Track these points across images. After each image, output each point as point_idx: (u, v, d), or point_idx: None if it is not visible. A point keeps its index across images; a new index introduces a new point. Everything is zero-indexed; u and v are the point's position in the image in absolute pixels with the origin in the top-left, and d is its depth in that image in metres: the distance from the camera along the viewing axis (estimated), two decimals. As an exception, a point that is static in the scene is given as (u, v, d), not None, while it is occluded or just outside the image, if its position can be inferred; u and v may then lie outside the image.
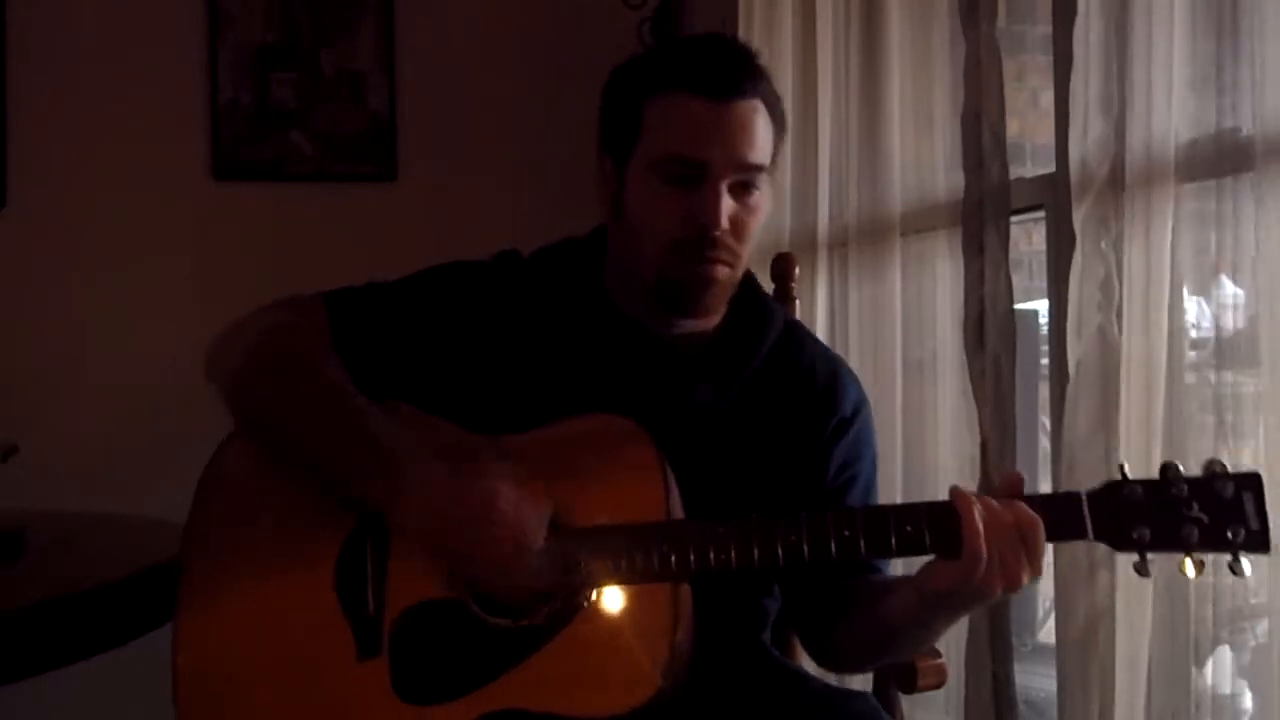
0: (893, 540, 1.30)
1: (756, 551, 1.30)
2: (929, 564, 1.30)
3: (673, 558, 1.30)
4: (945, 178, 2.15)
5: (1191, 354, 1.71)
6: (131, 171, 3.03)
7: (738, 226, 1.43)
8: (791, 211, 2.50)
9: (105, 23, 3.02)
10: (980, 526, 1.24)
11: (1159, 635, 1.69)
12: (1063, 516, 1.28)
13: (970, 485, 1.88)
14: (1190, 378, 1.69)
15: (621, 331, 1.50)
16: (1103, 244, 1.76)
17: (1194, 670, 1.68)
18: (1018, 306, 1.99)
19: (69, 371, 2.96)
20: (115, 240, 3.02)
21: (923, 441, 2.20)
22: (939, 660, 1.60)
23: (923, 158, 2.22)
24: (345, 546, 1.38)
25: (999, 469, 1.96)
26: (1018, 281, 2.00)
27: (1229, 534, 1.24)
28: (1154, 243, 1.69)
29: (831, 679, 2.22)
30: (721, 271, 1.45)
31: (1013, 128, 2.02)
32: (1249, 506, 1.25)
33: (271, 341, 1.46)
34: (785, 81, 2.50)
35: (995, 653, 1.99)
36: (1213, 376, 1.67)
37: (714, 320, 1.53)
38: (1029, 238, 2.32)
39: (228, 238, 3.09)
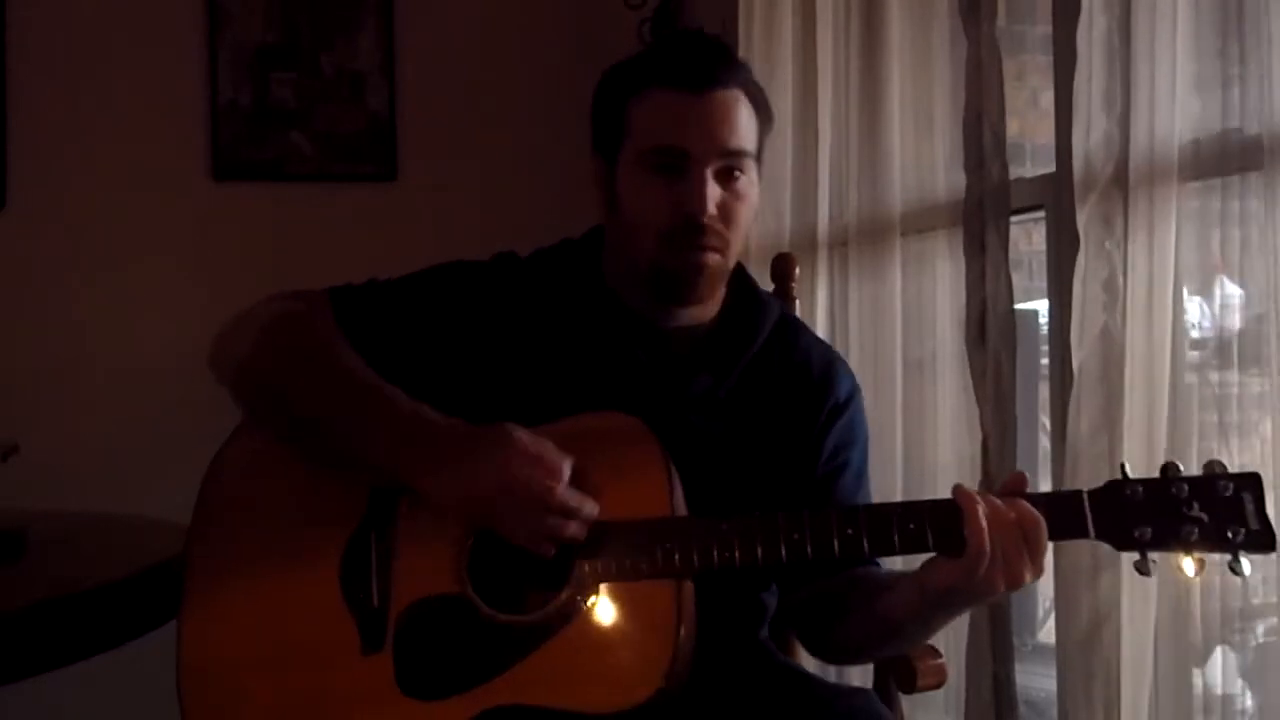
0: (896, 538, 1.30)
1: (760, 549, 1.31)
2: (931, 561, 1.31)
3: (676, 555, 1.31)
4: (945, 178, 2.15)
5: (1193, 354, 1.71)
6: (131, 171, 3.03)
7: (726, 213, 1.45)
8: (791, 211, 2.50)
9: (105, 23, 3.02)
10: (984, 524, 1.25)
11: (1160, 636, 1.69)
12: (1065, 515, 1.28)
13: (971, 485, 1.88)
14: (1191, 378, 1.69)
15: (620, 324, 1.52)
16: (1106, 244, 1.76)
17: (1194, 670, 1.68)
18: (1018, 306, 1.99)
19: (69, 371, 2.96)
20: (115, 240, 3.02)
21: (923, 441, 2.20)
22: (939, 660, 1.60)
23: (923, 158, 2.22)
24: (350, 542, 1.39)
25: (999, 468, 1.97)
26: (1018, 281, 2.00)
27: (1229, 534, 1.25)
28: (1158, 242, 1.69)
29: (830, 672, 2.23)
30: (712, 258, 1.46)
31: (1013, 128, 2.02)
32: (1249, 507, 1.25)
33: (283, 326, 1.47)
34: (785, 81, 2.50)
35: (995, 653, 1.99)
36: (1213, 376, 1.67)
37: (711, 311, 1.55)
38: (1029, 238, 2.32)
39: (228, 238, 3.09)
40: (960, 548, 1.26)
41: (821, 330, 2.38)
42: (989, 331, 1.99)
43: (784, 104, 2.50)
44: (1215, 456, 1.32)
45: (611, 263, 1.55)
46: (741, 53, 2.58)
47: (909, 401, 2.23)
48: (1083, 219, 1.78)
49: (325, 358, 1.43)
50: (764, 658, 1.56)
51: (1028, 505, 1.27)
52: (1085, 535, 1.28)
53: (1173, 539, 1.26)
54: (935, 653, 1.61)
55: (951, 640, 2.04)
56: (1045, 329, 2.09)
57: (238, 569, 1.41)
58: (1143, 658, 1.70)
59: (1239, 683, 1.70)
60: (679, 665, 1.28)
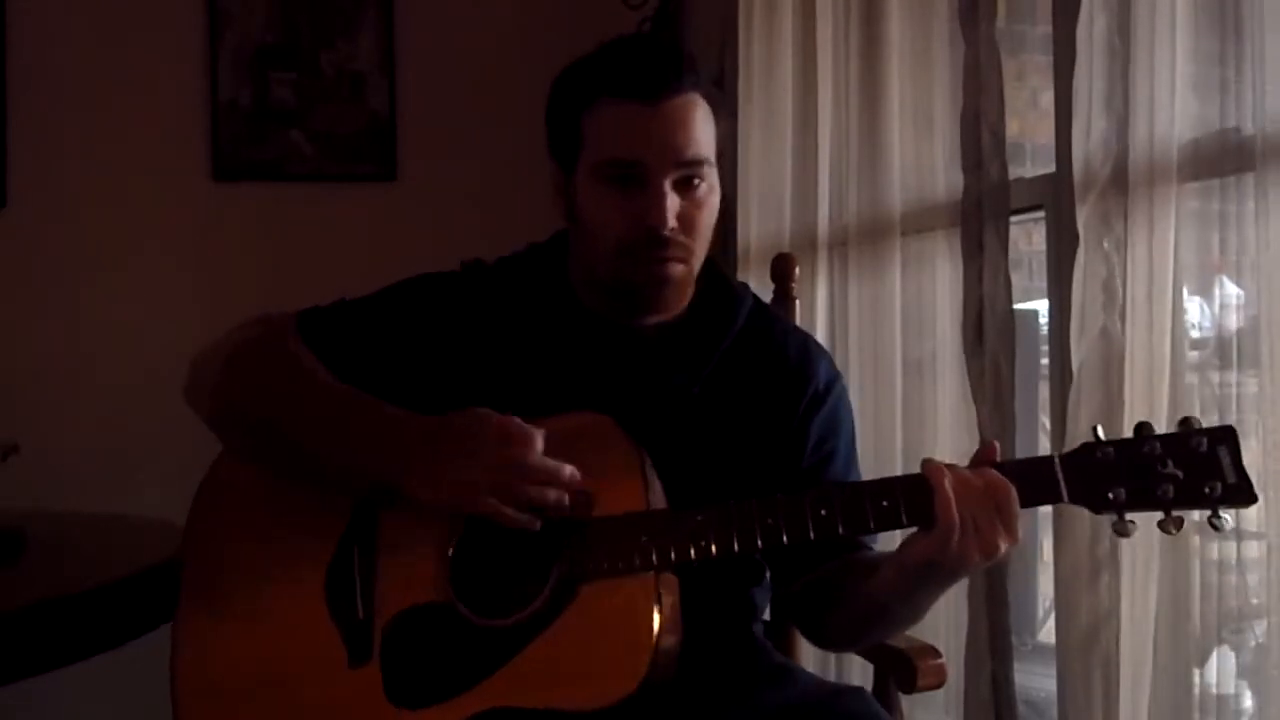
0: (870, 516, 1.30)
1: (736, 538, 1.31)
2: (908, 537, 1.31)
3: (653, 549, 1.31)
4: (945, 178, 2.15)
5: (1192, 354, 1.71)
6: (131, 171, 3.03)
7: (687, 222, 1.44)
8: (791, 211, 2.50)
9: (105, 23, 3.02)
10: (951, 495, 1.25)
11: (1159, 636, 1.69)
12: (1037, 481, 1.28)
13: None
14: (1191, 378, 1.69)
15: (589, 327, 1.51)
16: (1105, 244, 1.76)
17: (1194, 670, 1.68)
18: (1017, 306, 1.99)
19: (69, 371, 2.96)
20: (115, 240, 3.02)
21: (922, 441, 2.20)
22: (939, 660, 1.60)
23: (923, 158, 2.22)
24: (334, 556, 1.40)
25: (999, 469, 1.96)
26: (1017, 281, 2.00)
27: (1206, 489, 1.23)
28: (1157, 242, 1.69)
29: (830, 671, 2.23)
30: (676, 269, 1.46)
31: (1013, 128, 2.02)
32: (1225, 460, 1.24)
33: (249, 351, 1.48)
34: (785, 81, 2.50)
35: (995, 653, 1.99)
36: (1213, 377, 1.67)
37: (681, 306, 1.55)
38: (1028, 238, 2.32)
39: (228, 238, 3.09)
40: (932, 521, 1.26)
41: (821, 330, 2.38)
42: (988, 331, 1.99)
43: (784, 104, 2.50)
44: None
45: (576, 269, 1.54)
46: (741, 53, 2.59)
47: (909, 401, 2.23)
48: (1082, 219, 1.78)
49: (291, 374, 1.44)
50: (758, 656, 1.56)
51: (996, 473, 1.27)
52: (1059, 499, 1.28)
53: (1149, 498, 1.25)
54: (935, 653, 1.61)
55: (951, 640, 2.04)
56: (1045, 329, 2.09)
57: (227, 590, 1.42)
58: (1142, 658, 1.70)
59: (1239, 683, 1.70)
60: (661, 660, 1.28)
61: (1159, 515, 1.26)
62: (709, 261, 1.55)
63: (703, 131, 1.44)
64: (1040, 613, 2.95)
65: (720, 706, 1.44)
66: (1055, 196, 1.93)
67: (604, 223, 1.44)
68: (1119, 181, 1.74)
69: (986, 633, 1.99)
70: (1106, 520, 1.28)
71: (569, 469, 1.33)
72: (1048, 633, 2.40)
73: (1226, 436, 1.25)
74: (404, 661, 1.35)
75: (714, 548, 1.31)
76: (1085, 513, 1.31)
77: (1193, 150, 1.67)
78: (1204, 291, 1.72)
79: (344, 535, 1.40)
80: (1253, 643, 1.66)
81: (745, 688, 1.47)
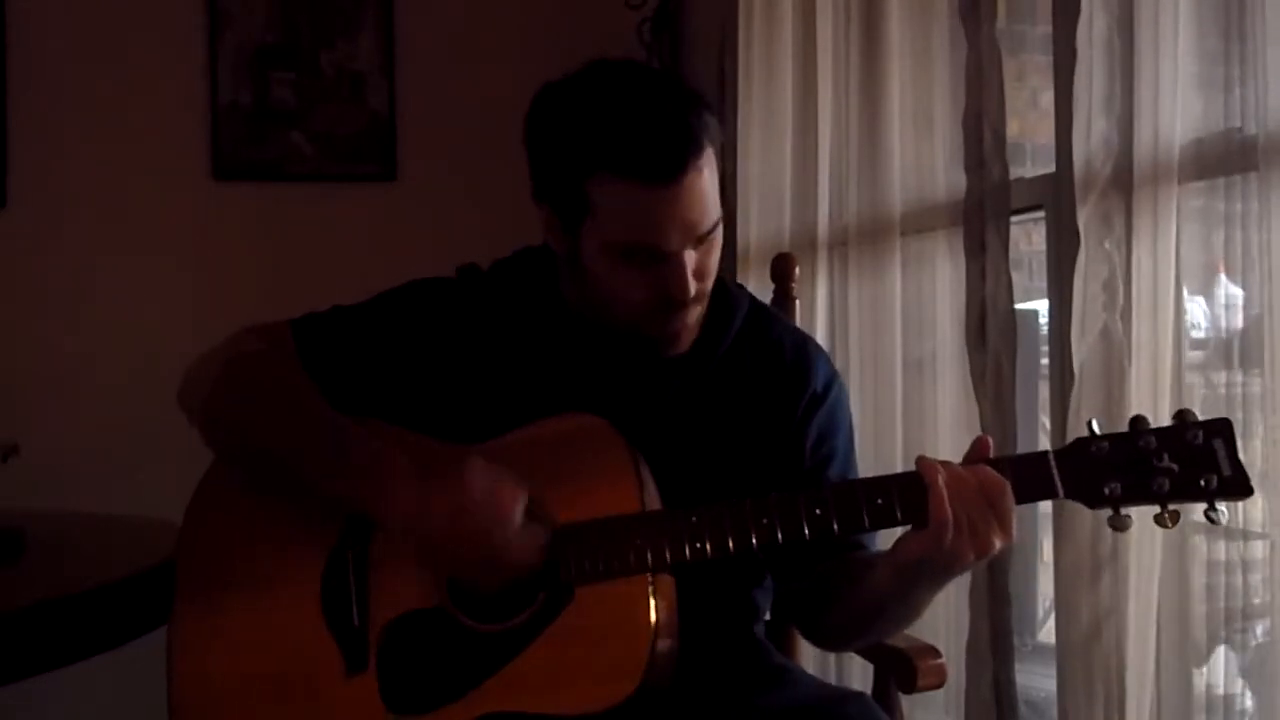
0: (865, 515, 1.30)
1: (731, 538, 1.31)
2: (903, 535, 1.31)
3: (648, 550, 1.31)
4: (945, 178, 2.15)
5: (1194, 354, 1.71)
6: (131, 171, 3.03)
7: (701, 270, 1.42)
8: (791, 211, 2.50)
9: (105, 23, 3.02)
10: (944, 492, 1.25)
11: (1160, 636, 1.69)
12: (1032, 477, 1.28)
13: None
14: (1192, 378, 1.69)
15: (584, 333, 1.50)
16: (1106, 243, 1.76)
17: (1194, 670, 1.68)
18: (1018, 306, 1.99)
19: (69, 371, 2.96)
20: (115, 240, 3.02)
21: (922, 441, 2.19)
22: (939, 660, 1.60)
23: (923, 158, 2.21)
24: (329, 563, 1.39)
25: (999, 469, 1.96)
26: (1018, 281, 2.00)
27: (1201, 482, 1.23)
28: (1158, 242, 1.69)
29: (830, 672, 2.23)
30: (693, 315, 1.45)
31: (1013, 128, 2.02)
32: (1220, 453, 1.24)
33: (240, 368, 1.47)
34: (785, 81, 2.50)
35: (995, 653, 1.99)
36: (1214, 377, 1.67)
37: None
38: (1029, 238, 2.32)
39: (228, 238, 3.09)
40: (926, 519, 1.25)
41: (821, 330, 2.38)
42: (989, 331, 1.99)
43: (784, 104, 2.50)
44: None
45: (571, 289, 1.51)
46: (741, 53, 2.58)
47: (909, 401, 2.23)
48: (1083, 219, 1.78)
49: (282, 395, 1.43)
50: (758, 658, 1.55)
51: (991, 471, 1.27)
52: (1055, 495, 1.28)
53: (1144, 492, 1.25)
54: (935, 653, 1.61)
55: (952, 640, 2.04)
56: (1045, 329, 2.09)
57: (222, 597, 1.42)
58: (1143, 658, 1.70)
59: (1239, 683, 1.70)
60: (658, 662, 1.28)
61: (1155, 509, 1.26)
62: None
63: (713, 191, 1.39)
64: (1040, 613, 2.94)
65: (720, 709, 1.44)
66: (1056, 196, 1.93)
67: (622, 293, 1.42)
68: (1120, 181, 1.74)
69: (987, 633, 1.99)
70: (1107, 519, 1.28)
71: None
72: (1048, 633, 2.39)
73: (1222, 429, 1.25)
74: (400, 668, 1.34)
75: (709, 548, 1.31)
76: (1086, 512, 1.31)
77: (1194, 150, 1.67)
78: (1205, 291, 1.72)
79: (338, 541, 1.40)
80: (1253, 643, 1.66)
81: (746, 690, 1.47)
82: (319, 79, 3.14)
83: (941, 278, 2.18)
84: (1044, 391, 2.13)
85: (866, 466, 1.65)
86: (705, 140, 1.37)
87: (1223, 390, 1.65)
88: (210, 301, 2.96)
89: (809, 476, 1.51)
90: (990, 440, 1.32)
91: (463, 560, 1.32)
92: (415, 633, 1.35)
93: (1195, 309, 1.72)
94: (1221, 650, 1.68)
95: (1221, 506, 1.24)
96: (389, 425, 1.44)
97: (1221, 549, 1.64)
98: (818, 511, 1.30)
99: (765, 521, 1.30)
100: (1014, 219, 1.99)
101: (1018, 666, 2.00)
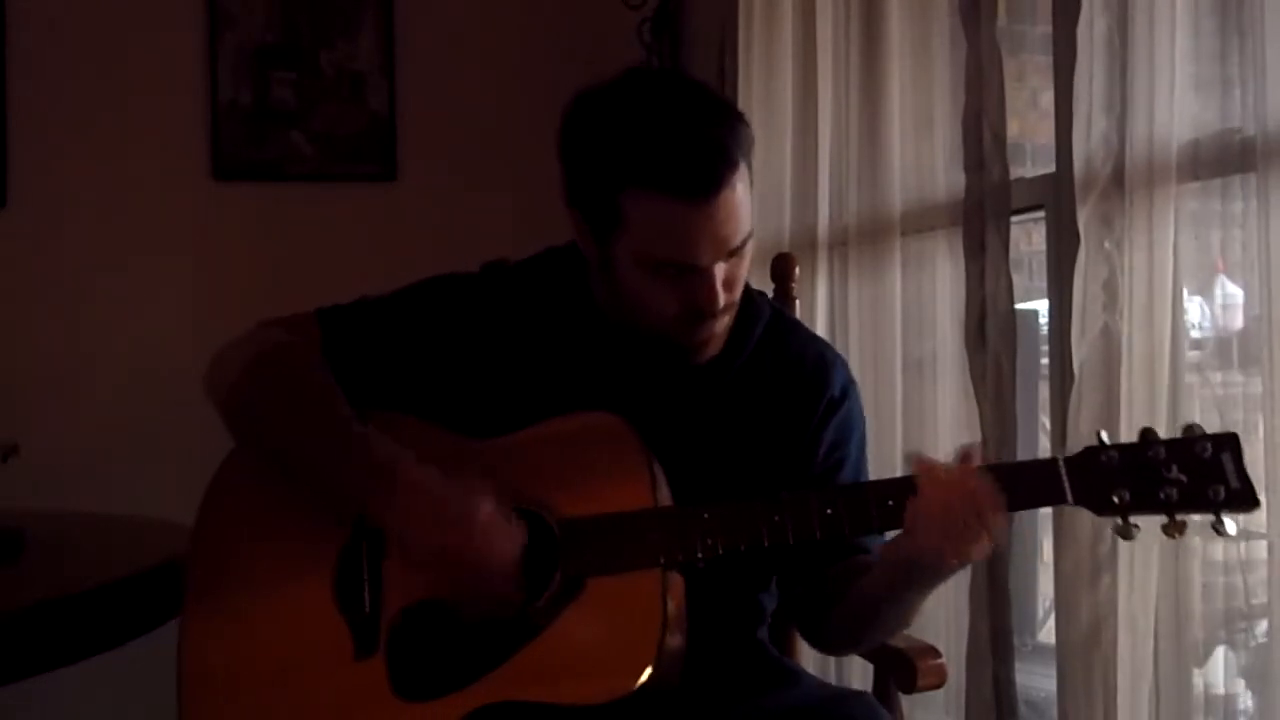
0: (874, 515, 1.31)
1: (742, 536, 1.31)
2: (894, 537, 1.32)
3: (661, 545, 1.32)
4: (945, 178, 2.15)
5: (1193, 354, 1.71)
6: (131, 171, 3.02)
7: (731, 281, 1.42)
8: (791, 211, 2.50)
9: (105, 23, 3.02)
10: (927, 494, 1.26)
11: (1160, 636, 1.69)
12: (1042, 482, 1.29)
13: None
14: (1191, 378, 1.69)
15: (610, 336, 1.50)
16: (1106, 243, 1.76)
17: (1194, 670, 1.68)
18: (1018, 306, 1.99)
19: (69, 371, 2.96)
20: (115, 240, 3.02)
21: (923, 441, 2.20)
22: (939, 660, 1.60)
23: (923, 158, 2.22)
24: (343, 551, 1.40)
25: (999, 469, 1.96)
26: (1018, 281, 2.00)
27: (1209, 494, 1.25)
28: (1157, 242, 1.69)
29: (831, 673, 2.23)
30: (722, 324, 1.45)
31: (1013, 128, 2.02)
32: (1228, 466, 1.25)
33: (264, 364, 1.47)
34: (785, 81, 2.50)
35: (995, 653, 1.99)
36: (1213, 377, 1.67)
37: None
38: (1029, 238, 2.32)
39: (228, 238, 3.09)
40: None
41: (821, 330, 2.38)
42: (989, 331, 1.99)
43: (784, 104, 2.50)
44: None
45: (601, 291, 1.51)
46: (741, 53, 2.58)
47: (909, 401, 2.23)
48: (1082, 219, 1.78)
49: (302, 405, 1.44)
50: (762, 659, 1.56)
51: (976, 475, 1.27)
52: (1064, 501, 1.29)
53: (1152, 501, 1.26)
54: (935, 653, 1.61)
55: (952, 640, 2.04)
56: (1045, 329, 2.09)
57: (236, 581, 1.43)
58: (1143, 658, 1.70)
59: (1239, 683, 1.70)
60: (665, 658, 1.29)
61: (1162, 519, 1.27)
62: None
63: (746, 204, 1.38)
64: (1040, 613, 2.94)
65: (723, 708, 1.44)
66: (1055, 196, 1.93)
67: (651, 303, 1.42)
68: (1119, 181, 1.75)
69: (987, 633, 1.99)
70: (1108, 521, 1.28)
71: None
72: (1048, 633, 2.39)
73: (1230, 443, 1.26)
74: (409, 655, 1.35)
75: (721, 546, 1.32)
76: (1086, 513, 1.31)
77: (1193, 150, 1.67)
78: (1204, 291, 1.72)
79: (353, 530, 1.40)
80: (1253, 643, 1.66)
81: (749, 690, 1.48)
82: (319, 79, 3.14)
83: (941, 278, 2.18)
84: (1044, 391, 2.13)
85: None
86: (739, 155, 1.37)
87: (1221, 390, 1.65)
88: (210, 302, 2.96)
89: (820, 481, 1.51)
90: (978, 446, 1.33)
91: (454, 595, 1.35)
92: (426, 620, 1.36)
93: (1194, 309, 1.72)
94: (1221, 650, 1.68)
95: (1228, 519, 1.24)
96: (410, 418, 1.46)
97: (1220, 549, 1.65)
98: (829, 511, 1.31)
99: (777, 520, 1.32)
100: (1014, 219, 1.99)
101: (1018, 666, 2.00)
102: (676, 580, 1.33)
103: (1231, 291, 1.68)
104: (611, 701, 1.27)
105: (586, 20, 3.17)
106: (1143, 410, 1.69)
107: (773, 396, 1.52)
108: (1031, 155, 2.25)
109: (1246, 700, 1.70)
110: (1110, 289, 1.75)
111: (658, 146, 1.35)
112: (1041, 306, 2.19)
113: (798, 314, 1.95)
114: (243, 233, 3.10)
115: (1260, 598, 1.61)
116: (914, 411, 2.22)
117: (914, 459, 1.31)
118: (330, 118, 3.14)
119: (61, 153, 2.99)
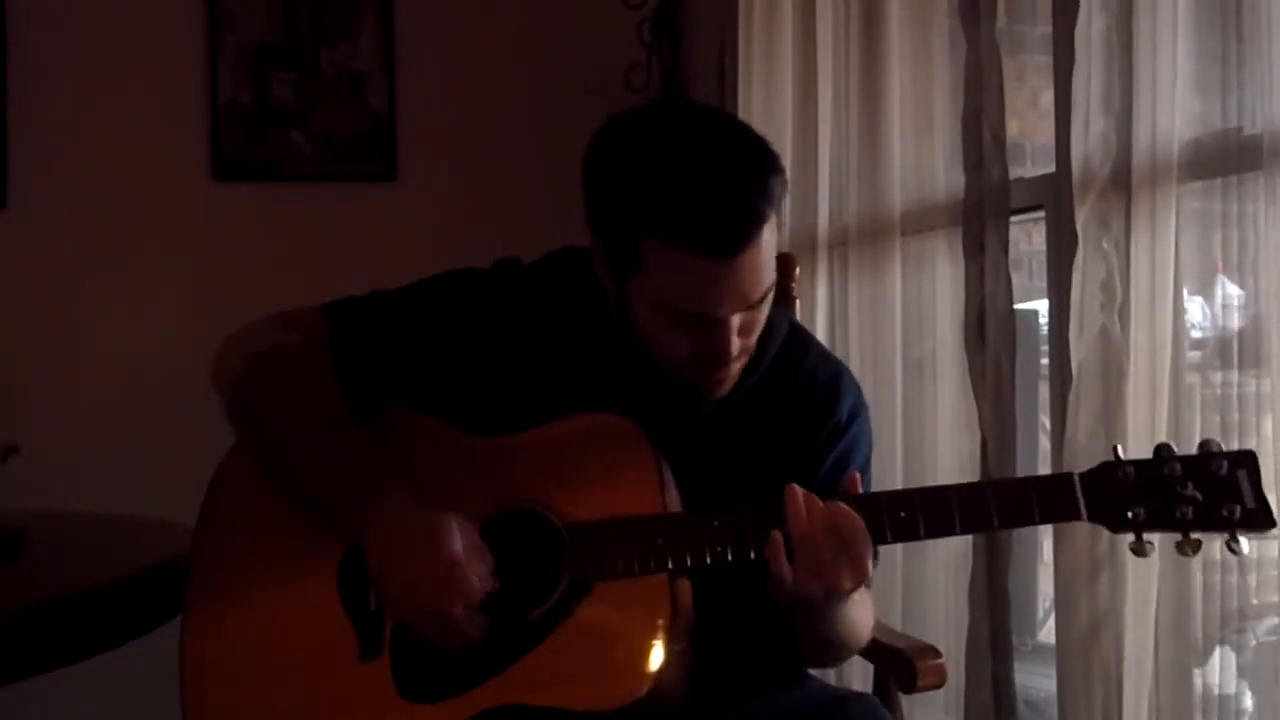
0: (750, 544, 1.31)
1: (751, 544, 1.31)
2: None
3: (668, 551, 1.31)
4: (945, 178, 2.15)
5: (1193, 354, 1.71)
6: (131, 171, 3.02)
7: (748, 328, 1.39)
8: (791, 211, 2.50)
9: (105, 23, 3.02)
10: (791, 529, 1.27)
11: (1160, 636, 1.69)
12: (1057, 498, 1.28)
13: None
14: (1192, 378, 1.69)
15: (622, 342, 1.48)
16: (1105, 243, 1.76)
17: (1194, 670, 1.68)
18: (1017, 306, 1.99)
19: (69, 371, 2.96)
20: (115, 240, 3.02)
21: (922, 441, 2.20)
22: (939, 660, 1.60)
23: (923, 158, 2.22)
24: (348, 550, 1.39)
25: (999, 468, 1.97)
26: (1017, 281, 2.00)
27: (1224, 512, 1.24)
28: (1157, 242, 1.69)
29: (831, 673, 2.23)
30: (736, 368, 1.43)
31: (1013, 128, 2.02)
32: (1244, 485, 1.24)
33: (273, 359, 1.47)
34: (785, 81, 2.50)
35: (995, 653, 1.99)
36: (1214, 377, 1.67)
37: None
38: (1029, 238, 2.32)
39: (228, 238, 3.09)
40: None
41: (821, 331, 2.38)
42: (989, 331, 1.99)
43: (784, 104, 2.50)
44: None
45: (616, 309, 1.48)
46: (741, 53, 2.58)
47: (909, 401, 2.23)
48: (1082, 219, 1.78)
49: (299, 414, 1.43)
50: (765, 661, 1.55)
51: (845, 508, 1.28)
52: (1078, 517, 1.28)
53: (1168, 519, 1.25)
54: (935, 653, 1.61)
55: (952, 640, 2.04)
56: (1045, 329, 2.09)
57: (240, 579, 1.42)
58: (1143, 658, 1.70)
59: (1239, 683, 1.70)
60: (673, 661, 1.29)
61: (1177, 537, 1.26)
62: None
63: (771, 255, 1.34)
64: (1040, 613, 2.95)
65: (727, 709, 1.44)
66: (1055, 196, 1.93)
67: (664, 343, 1.39)
68: (1119, 181, 1.74)
69: (987, 633, 1.99)
70: (1129, 545, 1.28)
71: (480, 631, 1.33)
72: (1048, 633, 2.40)
73: (1246, 461, 1.25)
74: (414, 656, 1.35)
75: (730, 553, 1.31)
76: (1086, 513, 1.31)
77: (1193, 150, 1.67)
78: (1204, 291, 1.72)
79: None
80: (1253, 643, 1.66)
81: (753, 691, 1.47)
82: (319, 79, 3.14)
83: (941, 278, 2.18)
84: (1044, 391, 2.14)
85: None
86: (768, 210, 1.31)
87: (1221, 391, 1.65)
88: (210, 301, 2.96)
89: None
90: (859, 476, 1.33)
91: (413, 626, 1.35)
92: None
93: (1194, 309, 1.72)
94: (1221, 650, 1.68)
95: (1242, 539, 1.24)
96: (418, 418, 1.45)
97: (1220, 549, 1.64)
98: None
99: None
100: (1013, 219, 2.00)
101: (1017, 666, 2.00)
102: (684, 585, 1.33)
103: (1231, 291, 1.67)
104: (615, 709, 1.27)
105: (586, 20, 3.18)
106: (1143, 411, 1.69)
107: (781, 416, 1.51)
108: (1031, 155, 2.25)
109: (1246, 700, 1.70)
110: (1109, 289, 1.75)
111: (684, 200, 1.30)
112: (1041, 306, 2.19)
113: (798, 314, 1.95)
114: (243, 233, 3.10)
115: (1260, 598, 1.61)
116: (914, 411, 2.22)
117: (785, 490, 1.30)
118: (330, 118, 3.14)
119: (61, 153, 2.99)
